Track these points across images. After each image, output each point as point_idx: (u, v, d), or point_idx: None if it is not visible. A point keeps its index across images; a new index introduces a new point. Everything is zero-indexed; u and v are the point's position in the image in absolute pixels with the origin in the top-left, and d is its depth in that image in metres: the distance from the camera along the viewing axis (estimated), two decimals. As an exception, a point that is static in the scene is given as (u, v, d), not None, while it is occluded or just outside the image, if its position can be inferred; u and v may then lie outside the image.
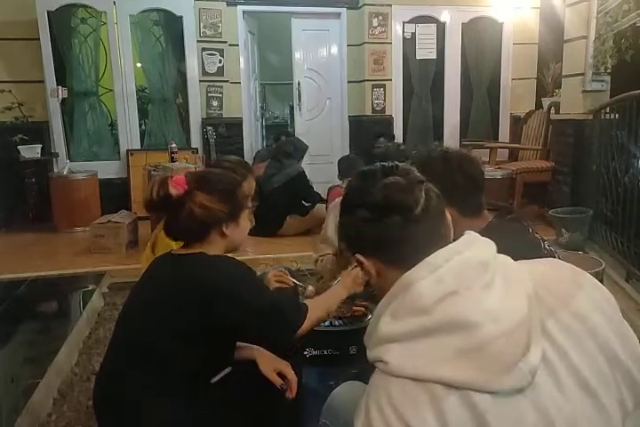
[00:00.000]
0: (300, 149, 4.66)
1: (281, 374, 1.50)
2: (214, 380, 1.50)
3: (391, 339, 0.81)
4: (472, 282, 0.80)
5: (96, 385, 1.51)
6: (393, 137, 5.57)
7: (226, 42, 5.42)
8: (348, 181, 1.01)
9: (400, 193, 0.88)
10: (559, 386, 0.77)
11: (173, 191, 1.42)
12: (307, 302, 1.57)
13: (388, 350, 0.80)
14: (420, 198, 0.87)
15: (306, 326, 1.48)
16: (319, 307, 1.55)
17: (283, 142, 4.99)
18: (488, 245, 0.88)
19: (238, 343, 1.56)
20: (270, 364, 1.52)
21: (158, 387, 1.37)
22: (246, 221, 1.55)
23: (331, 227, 2.36)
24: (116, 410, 1.41)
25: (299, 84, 5.95)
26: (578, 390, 0.78)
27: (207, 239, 1.47)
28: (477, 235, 0.89)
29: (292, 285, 2.00)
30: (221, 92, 5.44)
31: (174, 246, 1.56)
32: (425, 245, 0.85)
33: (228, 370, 1.53)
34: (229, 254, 1.55)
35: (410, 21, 5.80)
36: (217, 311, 1.37)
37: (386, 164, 0.95)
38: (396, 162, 0.96)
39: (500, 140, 6.06)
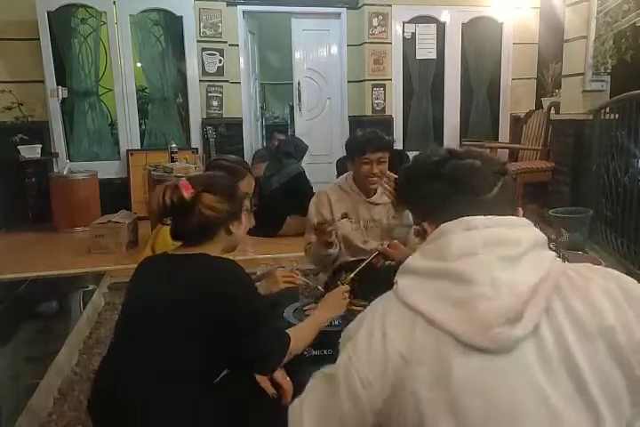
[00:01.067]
0: (300, 149, 4.65)
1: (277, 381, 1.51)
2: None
3: (410, 270, 0.92)
4: (495, 249, 0.85)
5: (95, 385, 1.51)
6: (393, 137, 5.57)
7: (226, 42, 5.42)
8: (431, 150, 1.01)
9: (469, 175, 0.92)
10: (545, 363, 0.79)
11: (185, 194, 1.45)
12: (288, 331, 1.58)
13: (404, 277, 0.92)
14: (494, 187, 0.92)
15: (286, 358, 1.52)
16: (300, 340, 1.57)
17: (283, 142, 4.98)
18: (534, 232, 0.91)
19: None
20: None
21: (158, 388, 1.37)
22: (247, 218, 1.61)
23: (313, 215, 2.47)
24: (115, 410, 1.40)
25: (299, 84, 5.95)
26: (567, 378, 0.78)
27: (214, 238, 1.51)
28: (531, 223, 0.92)
29: (302, 283, 2.04)
30: (221, 92, 5.44)
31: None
32: None
33: (225, 371, 1.53)
34: (228, 255, 1.57)
35: (410, 21, 5.80)
36: (215, 312, 1.38)
37: (474, 146, 0.97)
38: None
39: (500, 140, 6.06)
